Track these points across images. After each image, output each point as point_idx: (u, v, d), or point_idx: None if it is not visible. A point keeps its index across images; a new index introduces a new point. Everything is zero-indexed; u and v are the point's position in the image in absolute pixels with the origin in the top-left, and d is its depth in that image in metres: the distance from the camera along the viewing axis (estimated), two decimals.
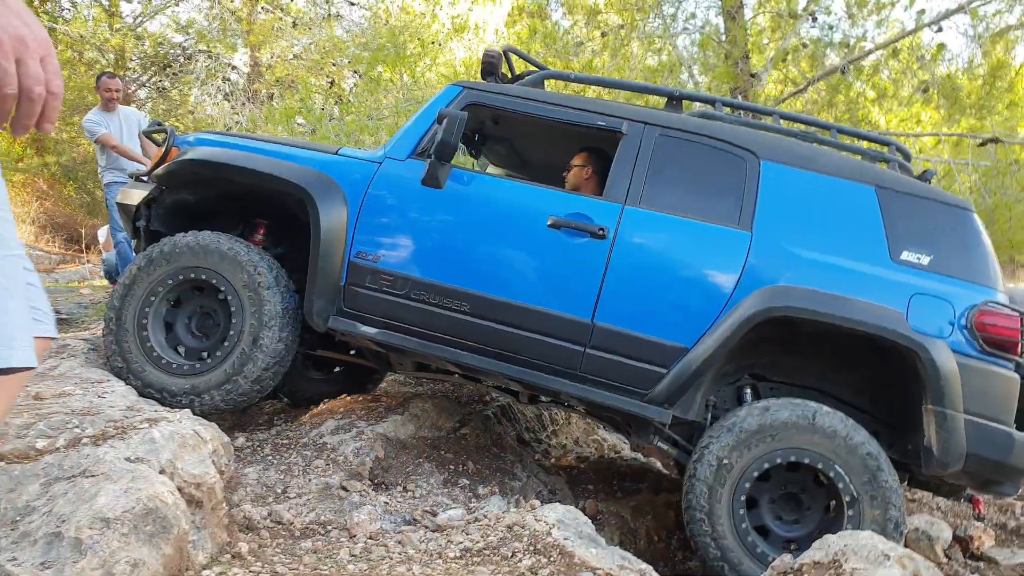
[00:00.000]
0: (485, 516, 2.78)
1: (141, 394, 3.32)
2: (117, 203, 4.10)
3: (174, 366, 3.39)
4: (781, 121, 3.83)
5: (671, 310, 3.20)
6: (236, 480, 3.17)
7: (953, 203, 3.30)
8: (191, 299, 3.56)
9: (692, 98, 3.89)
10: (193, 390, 3.35)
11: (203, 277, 3.42)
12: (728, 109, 3.92)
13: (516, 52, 3.99)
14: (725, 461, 3.08)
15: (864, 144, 3.94)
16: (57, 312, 5.19)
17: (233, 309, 3.40)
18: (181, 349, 3.52)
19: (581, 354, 3.24)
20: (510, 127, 4.14)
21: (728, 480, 3.08)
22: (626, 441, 5.14)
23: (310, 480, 3.19)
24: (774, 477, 3.13)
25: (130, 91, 13.57)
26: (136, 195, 3.76)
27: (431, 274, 3.37)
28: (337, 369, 4.50)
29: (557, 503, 2.76)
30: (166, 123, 4.13)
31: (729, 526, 3.09)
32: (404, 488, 3.29)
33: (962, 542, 3.71)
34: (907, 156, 3.82)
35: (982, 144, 7.77)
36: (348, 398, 4.19)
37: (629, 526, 3.90)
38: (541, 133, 4.10)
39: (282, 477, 3.24)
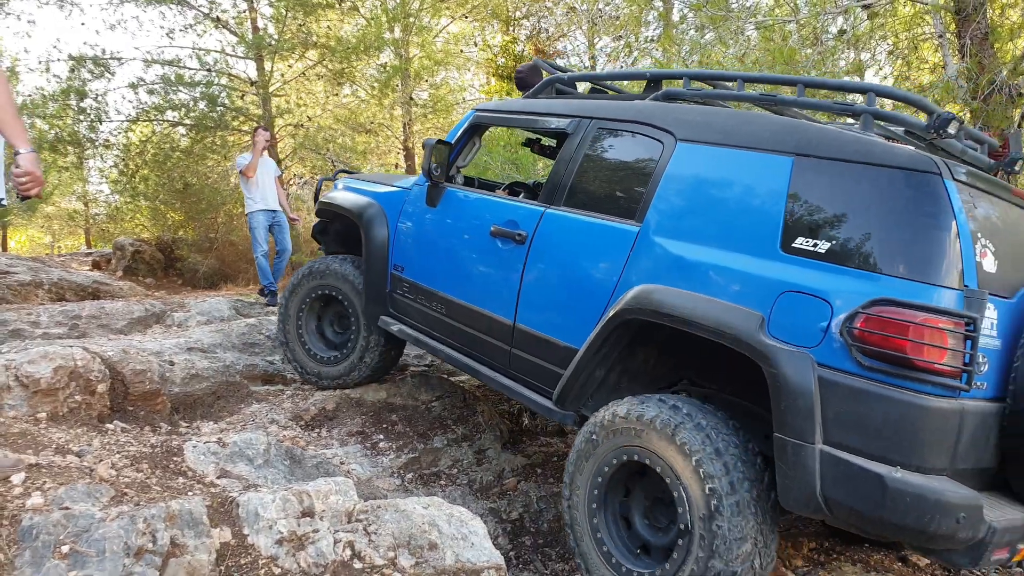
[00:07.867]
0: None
1: (304, 380, 4.72)
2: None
3: (326, 359, 4.64)
4: (747, 87, 3.46)
5: (565, 311, 3.20)
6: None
7: (907, 165, 2.44)
8: (331, 305, 4.75)
9: (664, 76, 3.75)
10: (340, 373, 4.57)
11: (330, 293, 4.60)
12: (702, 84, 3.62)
13: (543, 64, 4.37)
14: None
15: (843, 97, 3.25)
16: None
17: (351, 311, 4.52)
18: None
19: (508, 352, 3.48)
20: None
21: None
22: None
23: (257, 419, 4.29)
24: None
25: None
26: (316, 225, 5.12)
27: (423, 279, 4.02)
28: None
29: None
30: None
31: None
32: (319, 433, 4.14)
33: None
34: (926, 110, 2.92)
35: None
36: None
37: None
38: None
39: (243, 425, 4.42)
